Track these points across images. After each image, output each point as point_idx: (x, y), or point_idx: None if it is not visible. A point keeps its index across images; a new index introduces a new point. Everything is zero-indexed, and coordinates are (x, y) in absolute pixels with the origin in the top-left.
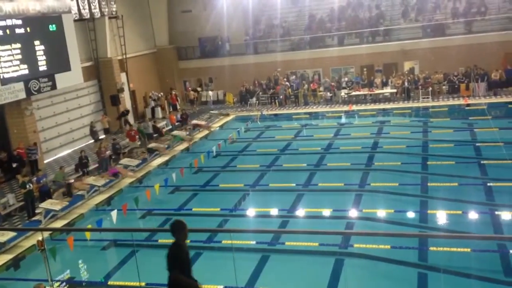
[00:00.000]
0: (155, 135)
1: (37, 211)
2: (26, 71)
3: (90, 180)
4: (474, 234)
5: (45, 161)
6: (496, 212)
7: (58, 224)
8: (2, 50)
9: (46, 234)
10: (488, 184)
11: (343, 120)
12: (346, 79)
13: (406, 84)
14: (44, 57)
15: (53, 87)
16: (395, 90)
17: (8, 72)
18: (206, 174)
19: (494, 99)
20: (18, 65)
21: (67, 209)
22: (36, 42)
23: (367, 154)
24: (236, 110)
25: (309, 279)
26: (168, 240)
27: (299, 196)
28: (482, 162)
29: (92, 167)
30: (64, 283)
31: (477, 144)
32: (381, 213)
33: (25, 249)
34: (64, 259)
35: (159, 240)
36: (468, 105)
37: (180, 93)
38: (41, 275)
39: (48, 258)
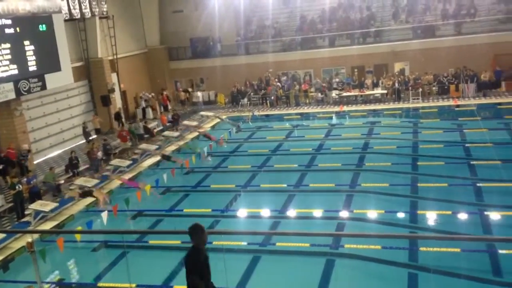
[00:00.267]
0: (146, 135)
1: (26, 212)
2: (16, 71)
3: (81, 181)
4: (464, 236)
5: (35, 162)
6: (485, 212)
7: (48, 225)
8: None
9: (36, 235)
10: (478, 184)
11: (334, 120)
12: (337, 80)
13: (396, 85)
14: (34, 57)
15: (43, 87)
16: (385, 91)
17: None
18: (197, 175)
19: (483, 100)
20: (7, 65)
21: (57, 210)
22: (26, 42)
23: (358, 155)
24: (227, 110)
25: (300, 280)
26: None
27: (290, 196)
28: (471, 162)
29: (82, 167)
30: (54, 285)
31: (466, 145)
32: (372, 213)
33: (14, 250)
34: (54, 261)
35: (150, 242)
36: (457, 106)
37: (172, 94)
38: (31, 277)
39: (37, 260)
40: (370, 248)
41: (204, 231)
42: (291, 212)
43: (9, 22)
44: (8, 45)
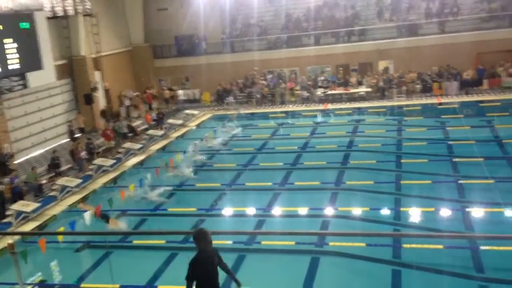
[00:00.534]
0: (130, 134)
1: (8, 213)
2: None
3: (63, 181)
4: (446, 233)
5: (16, 162)
6: (467, 209)
7: (30, 226)
8: None
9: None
10: (460, 181)
11: (319, 119)
12: (322, 78)
13: (381, 83)
14: (15, 55)
15: (25, 86)
16: (370, 89)
17: None
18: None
19: (466, 98)
20: None
21: (39, 211)
22: (8, 40)
23: (342, 153)
24: (212, 109)
25: (286, 278)
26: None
27: (275, 195)
28: (454, 160)
29: (64, 167)
30: (36, 286)
31: (449, 142)
32: (357, 211)
33: None
34: (36, 262)
35: (134, 242)
36: (440, 103)
37: (156, 92)
38: (12, 278)
39: (19, 261)
40: (355, 245)
41: (207, 236)
42: (277, 211)
43: None
44: None
